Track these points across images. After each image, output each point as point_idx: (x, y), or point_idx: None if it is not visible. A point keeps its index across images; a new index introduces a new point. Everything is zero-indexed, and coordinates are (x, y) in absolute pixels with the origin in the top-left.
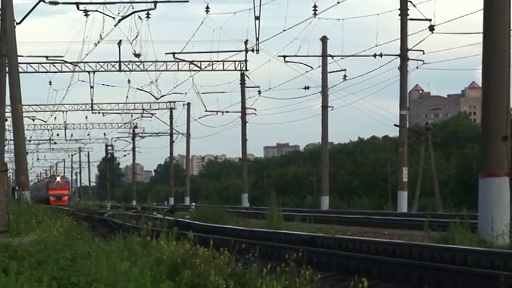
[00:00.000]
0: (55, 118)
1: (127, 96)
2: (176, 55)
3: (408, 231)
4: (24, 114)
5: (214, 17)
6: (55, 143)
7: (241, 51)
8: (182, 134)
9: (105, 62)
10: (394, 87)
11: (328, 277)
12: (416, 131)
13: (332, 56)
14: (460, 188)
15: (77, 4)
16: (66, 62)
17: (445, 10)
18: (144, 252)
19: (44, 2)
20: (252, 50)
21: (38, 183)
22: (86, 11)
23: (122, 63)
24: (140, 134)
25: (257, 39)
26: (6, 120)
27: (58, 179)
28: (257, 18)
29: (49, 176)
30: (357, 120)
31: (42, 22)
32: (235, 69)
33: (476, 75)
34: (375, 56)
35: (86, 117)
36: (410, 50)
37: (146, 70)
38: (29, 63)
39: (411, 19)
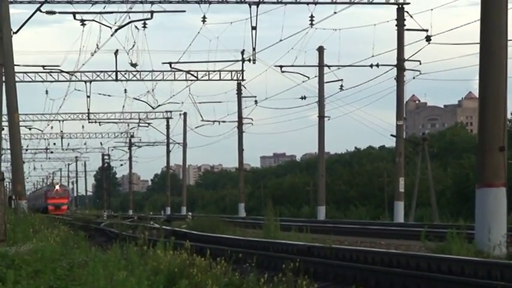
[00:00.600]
0: (52, 127)
1: (123, 106)
2: (173, 65)
3: (405, 242)
4: (20, 124)
5: (211, 27)
6: (52, 152)
7: (237, 61)
8: (179, 143)
9: (101, 72)
10: (390, 97)
11: (325, 287)
12: (413, 141)
13: (329, 66)
14: (456, 199)
15: (74, 14)
16: (62, 71)
17: (441, 20)
18: (141, 262)
19: (41, 11)
20: (249, 60)
21: (35, 192)
22: (82, 21)
23: (118, 73)
24: (137, 144)
25: (254, 49)
26: (3, 129)
27: (57, 187)
28: (254, 28)
29: (47, 184)
30: (353, 131)
31: (38, 32)
32: (232, 79)
33: (473, 85)
34: (371, 66)
35: (83, 126)
36: (407, 60)
37: (143, 80)
38: (25, 73)
39: (408, 29)
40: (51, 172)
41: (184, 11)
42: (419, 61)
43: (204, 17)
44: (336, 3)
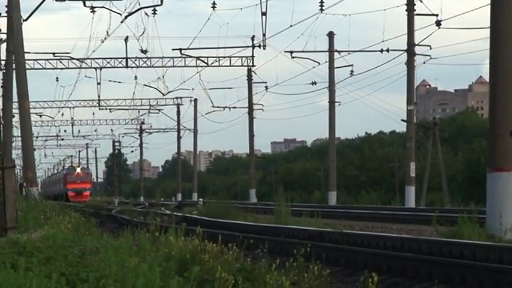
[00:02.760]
0: (62, 114)
1: (134, 93)
2: (183, 51)
3: (416, 226)
4: (31, 111)
5: (221, 13)
6: (62, 139)
7: (248, 47)
8: (189, 129)
9: (111, 59)
10: (401, 82)
11: (336, 272)
12: (424, 126)
13: (339, 52)
14: (467, 183)
15: (84, 0)
16: (73, 58)
17: (451, 5)
18: (152, 248)
19: None
20: (259, 46)
21: (52, 177)
22: (92, 8)
23: (128, 60)
24: (147, 130)
25: (264, 35)
26: (14, 116)
27: (78, 170)
28: (264, 14)
29: (67, 167)
30: (364, 116)
31: (49, 19)
32: (242, 65)
33: (483, 70)
34: (381, 51)
35: (93, 113)
36: (417, 45)
37: (153, 66)
38: (36, 60)
39: (418, 14)
40: (62, 158)
41: None
42: (429, 46)
43: (213, 3)
44: None
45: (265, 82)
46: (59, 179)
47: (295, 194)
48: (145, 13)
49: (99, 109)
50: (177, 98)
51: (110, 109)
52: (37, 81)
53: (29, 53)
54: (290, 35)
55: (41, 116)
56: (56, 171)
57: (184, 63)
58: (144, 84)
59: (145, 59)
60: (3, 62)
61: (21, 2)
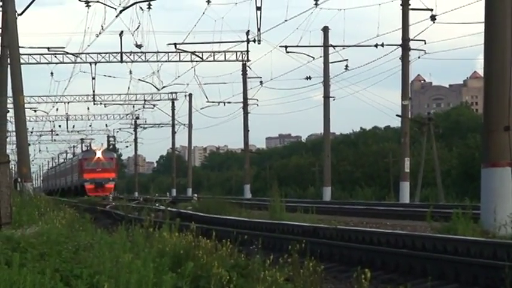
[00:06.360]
0: (57, 109)
1: (129, 87)
2: (178, 46)
3: (411, 222)
4: (26, 106)
5: (216, 7)
6: (57, 134)
7: (242, 41)
8: (184, 125)
9: (106, 53)
10: (395, 77)
11: (330, 268)
12: (418, 121)
13: (334, 46)
14: (462, 179)
15: None
16: (67, 53)
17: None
18: (146, 244)
19: None
20: (254, 41)
21: (60, 166)
22: (87, 2)
23: (123, 54)
24: (142, 125)
25: (259, 29)
26: (8, 111)
27: (99, 153)
28: (258, 8)
29: (83, 150)
30: (358, 111)
31: (43, 13)
32: (237, 60)
33: (477, 65)
34: (376, 46)
35: (88, 108)
36: (411, 40)
37: (148, 61)
38: (30, 55)
39: (413, 9)
40: (56, 154)
41: None
42: (424, 41)
43: None
44: None
45: (260, 77)
46: (71, 168)
47: (290, 189)
48: (140, 7)
49: (94, 104)
50: (171, 93)
51: (104, 104)
52: (32, 76)
53: (24, 47)
54: (285, 30)
55: (35, 110)
56: (63, 160)
57: (179, 58)
58: (139, 79)
59: (140, 54)
60: None
61: None
